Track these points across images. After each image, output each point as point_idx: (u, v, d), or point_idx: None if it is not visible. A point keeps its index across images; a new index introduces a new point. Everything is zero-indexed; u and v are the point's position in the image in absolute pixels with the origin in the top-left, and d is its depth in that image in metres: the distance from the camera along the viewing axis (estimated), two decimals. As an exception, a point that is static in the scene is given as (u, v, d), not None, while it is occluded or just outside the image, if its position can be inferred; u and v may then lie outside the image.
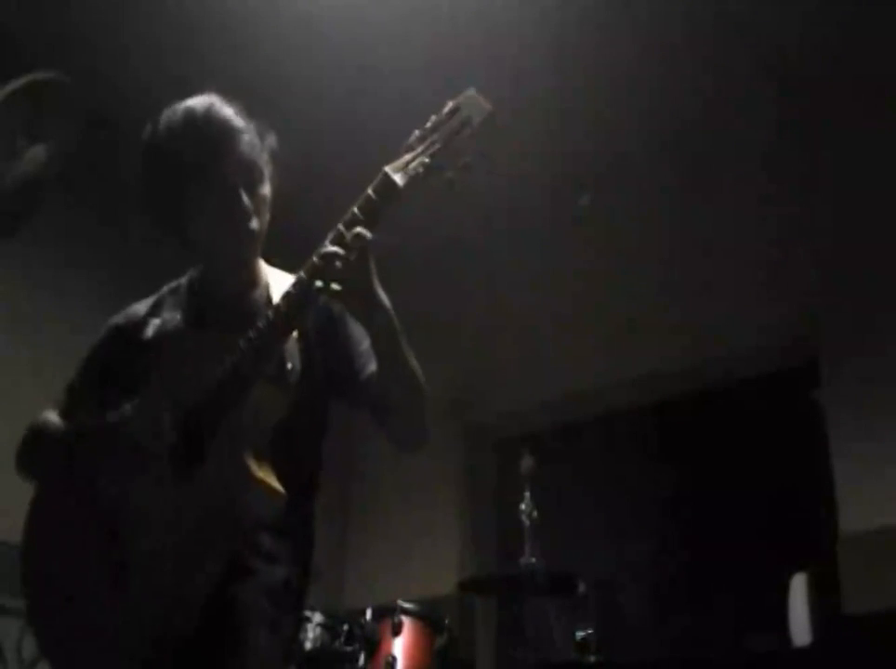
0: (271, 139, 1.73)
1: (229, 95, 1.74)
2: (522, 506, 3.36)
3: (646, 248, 4.36)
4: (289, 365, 1.61)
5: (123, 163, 3.96)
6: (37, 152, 2.02)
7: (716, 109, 3.99)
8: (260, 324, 1.52)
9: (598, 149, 4.19)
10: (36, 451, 1.72)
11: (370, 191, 1.50)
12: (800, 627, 3.32)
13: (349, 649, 3.04)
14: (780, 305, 3.97)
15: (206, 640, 1.48)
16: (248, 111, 1.71)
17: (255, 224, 1.67)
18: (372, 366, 1.68)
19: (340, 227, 1.49)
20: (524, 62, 3.82)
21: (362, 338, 1.71)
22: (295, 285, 1.50)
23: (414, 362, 1.64)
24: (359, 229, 1.47)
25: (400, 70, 3.86)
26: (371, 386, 1.68)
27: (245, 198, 1.65)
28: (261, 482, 1.48)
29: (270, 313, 1.52)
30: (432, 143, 1.51)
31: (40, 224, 2.19)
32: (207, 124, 1.65)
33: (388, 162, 1.54)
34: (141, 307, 1.83)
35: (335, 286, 1.46)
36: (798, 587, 3.39)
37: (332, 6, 3.63)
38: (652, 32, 3.70)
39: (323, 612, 3.05)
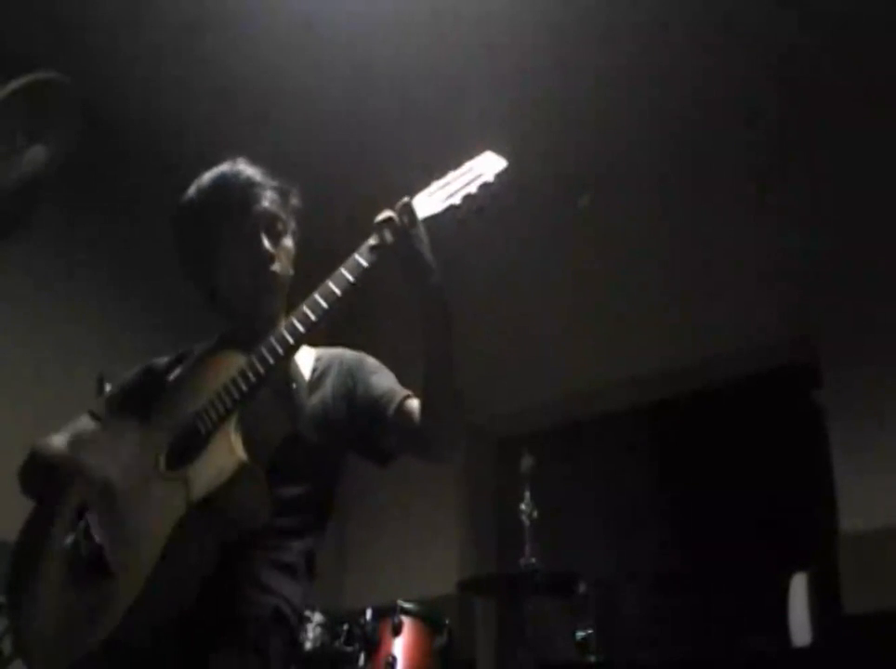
0: (295, 200, 1.82)
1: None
2: (522, 506, 3.37)
3: (646, 248, 4.36)
4: (294, 386, 1.68)
5: (123, 164, 4.00)
6: (37, 152, 2.02)
7: (716, 109, 3.99)
8: (271, 339, 1.58)
9: (598, 149, 4.19)
10: (35, 471, 1.74)
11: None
12: (800, 627, 3.32)
13: (349, 649, 3.04)
14: (780, 305, 3.97)
15: (194, 660, 1.49)
16: (272, 172, 1.81)
17: (276, 267, 1.74)
18: (395, 401, 1.71)
19: (356, 255, 1.59)
20: (524, 62, 3.82)
21: (380, 381, 1.76)
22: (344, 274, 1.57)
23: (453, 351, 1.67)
24: (406, 200, 1.59)
25: (399, 70, 3.86)
26: (400, 416, 1.70)
27: (267, 242, 1.74)
28: (251, 475, 1.48)
29: (281, 328, 1.58)
30: (449, 190, 1.61)
31: (40, 224, 2.19)
32: (234, 179, 1.77)
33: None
34: (168, 357, 1.91)
35: (387, 246, 1.57)
36: (798, 587, 3.39)
37: (331, 6, 3.63)
38: (652, 33, 3.70)
39: (323, 612, 3.05)
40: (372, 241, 1.59)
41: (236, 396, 1.54)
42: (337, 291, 1.56)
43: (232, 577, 1.54)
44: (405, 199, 1.60)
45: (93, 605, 1.49)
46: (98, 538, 1.53)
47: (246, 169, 1.79)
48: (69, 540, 1.56)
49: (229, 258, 1.74)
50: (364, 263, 1.57)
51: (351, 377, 1.77)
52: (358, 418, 1.74)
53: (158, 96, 3.93)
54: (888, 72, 3.72)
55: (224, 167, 1.80)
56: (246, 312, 1.78)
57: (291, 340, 1.56)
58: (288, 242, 1.79)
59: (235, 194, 1.75)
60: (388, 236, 1.58)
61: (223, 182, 1.77)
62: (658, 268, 4.31)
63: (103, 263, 4.12)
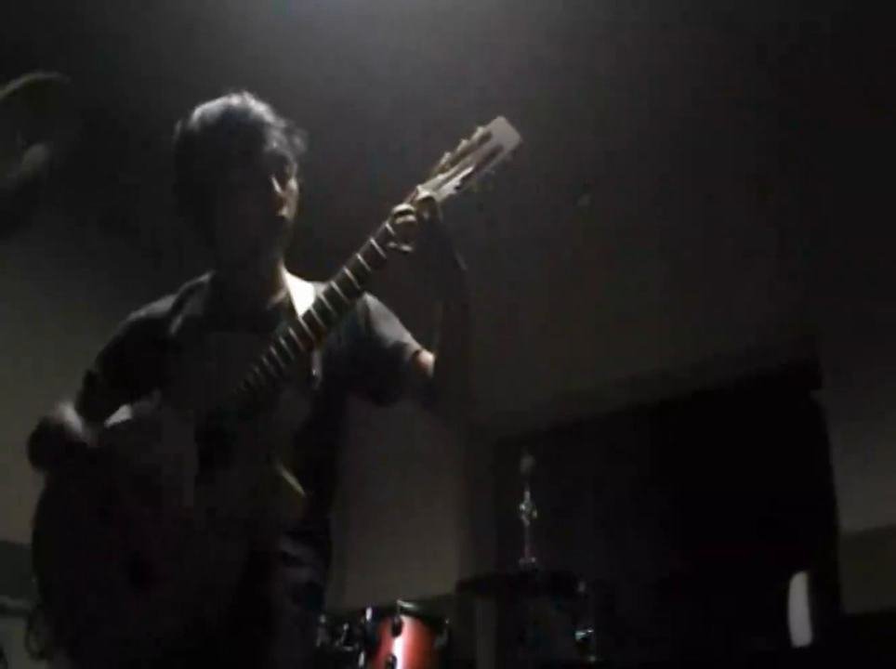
0: (299, 141, 1.78)
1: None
2: (522, 506, 3.37)
3: (646, 248, 4.36)
4: (314, 372, 1.65)
5: (123, 164, 4.00)
6: (37, 152, 2.02)
7: (716, 109, 3.99)
8: (291, 330, 1.55)
9: (598, 149, 4.19)
10: (50, 445, 1.73)
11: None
12: (800, 627, 3.32)
13: (349, 649, 3.04)
14: (780, 305, 3.97)
15: (236, 640, 1.50)
16: (279, 110, 1.77)
17: (284, 211, 1.72)
18: (408, 354, 1.73)
19: (373, 242, 1.54)
20: (524, 62, 3.82)
21: (390, 334, 1.76)
22: (347, 274, 1.53)
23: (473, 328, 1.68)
24: (428, 192, 1.54)
25: (399, 70, 3.86)
26: (413, 371, 1.72)
27: (277, 186, 1.70)
28: (285, 483, 1.50)
29: (301, 318, 1.55)
30: (464, 166, 1.55)
31: (40, 224, 2.19)
32: (244, 116, 1.71)
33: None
34: (162, 304, 1.84)
35: (406, 247, 1.52)
36: (798, 587, 3.39)
37: (331, 5, 3.63)
38: (652, 32, 3.70)
39: (324, 612, 3.05)
40: (391, 231, 1.53)
41: (261, 395, 1.53)
42: (356, 282, 1.54)
43: (262, 558, 1.55)
44: (425, 193, 1.54)
45: (140, 609, 1.50)
46: (134, 536, 1.54)
47: (255, 106, 1.73)
48: (101, 534, 1.57)
49: (235, 198, 1.69)
50: (383, 254, 1.53)
51: (356, 322, 1.76)
52: (364, 364, 1.74)
53: (158, 95, 3.93)
54: (888, 72, 3.72)
55: (232, 103, 1.73)
56: (246, 256, 1.75)
57: (312, 335, 1.54)
58: (294, 183, 1.75)
59: (244, 134, 1.69)
60: (410, 235, 1.53)
61: (231, 120, 1.71)
62: (658, 268, 4.31)
63: (103, 263, 4.12)
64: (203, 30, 3.72)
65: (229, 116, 1.71)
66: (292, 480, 1.50)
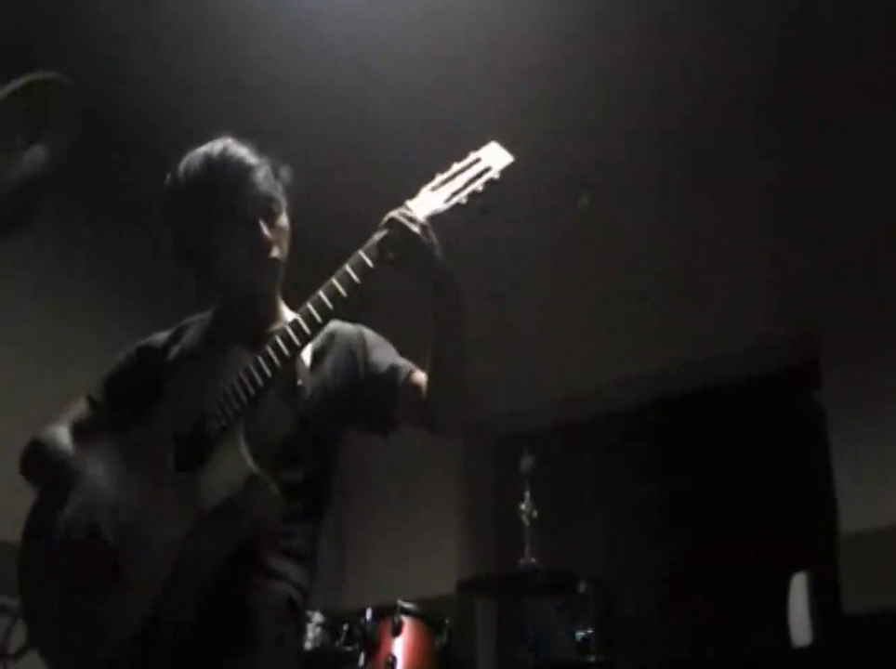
0: (285, 174, 1.79)
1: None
2: (522, 506, 3.37)
3: (646, 248, 4.36)
4: (300, 382, 1.67)
5: (122, 164, 4.00)
6: (37, 152, 2.02)
7: (716, 109, 3.99)
8: (277, 337, 1.56)
9: (598, 149, 4.19)
10: (40, 464, 1.74)
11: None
12: (800, 627, 3.32)
13: (349, 649, 3.04)
14: (780, 305, 3.97)
15: (213, 653, 1.51)
16: (260, 149, 1.77)
17: (276, 253, 1.73)
18: (402, 376, 1.74)
19: (360, 252, 1.57)
20: (523, 62, 3.82)
21: (384, 360, 1.77)
22: (339, 280, 1.56)
23: (464, 342, 1.69)
24: (412, 213, 1.57)
25: (399, 70, 3.86)
26: (407, 390, 1.73)
27: (265, 229, 1.71)
28: (264, 485, 1.50)
29: (287, 325, 1.57)
30: (454, 184, 1.60)
31: (39, 224, 2.19)
32: (224, 165, 1.71)
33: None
34: (162, 335, 1.89)
35: (391, 255, 1.56)
36: (798, 587, 3.39)
37: (332, 5, 3.63)
38: (651, 32, 3.70)
39: (323, 612, 3.05)
40: (378, 238, 1.57)
41: (244, 399, 1.54)
42: (343, 292, 1.55)
43: (242, 567, 1.55)
44: (411, 210, 1.58)
45: (112, 611, 1.50)
46: (110, 540, 1.54)
47: (237, 150, 1.73)
48: (80, 538, 1.57)
49: (227, 247, 1.70)
50: (371, 264, 1.56)
51: (352, 354, 1.77)
52: (361, 393, 1.75)
53: (158, 95, 3.93)
54: (889, 72, 3.72)
55: (213, 150, 1.73)
56: (243, 293, 1.77)
57: (297, 341, 1.55)
58: (283, 220, 1.76)
59: (228, 180, 1.69)
60: (395, 246, 1.56)
61: (215, 168, 1.71)
62: (658, 267, 4.31)
63: (102, 263, 4.12)
64: (203, 30, 3.72)
65: (211, 163, 1.71)
66: (271, 484, 1.50)
